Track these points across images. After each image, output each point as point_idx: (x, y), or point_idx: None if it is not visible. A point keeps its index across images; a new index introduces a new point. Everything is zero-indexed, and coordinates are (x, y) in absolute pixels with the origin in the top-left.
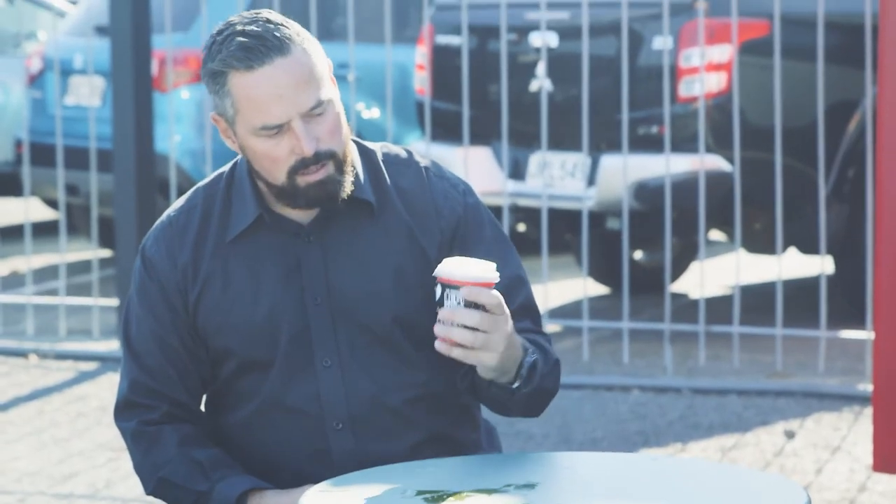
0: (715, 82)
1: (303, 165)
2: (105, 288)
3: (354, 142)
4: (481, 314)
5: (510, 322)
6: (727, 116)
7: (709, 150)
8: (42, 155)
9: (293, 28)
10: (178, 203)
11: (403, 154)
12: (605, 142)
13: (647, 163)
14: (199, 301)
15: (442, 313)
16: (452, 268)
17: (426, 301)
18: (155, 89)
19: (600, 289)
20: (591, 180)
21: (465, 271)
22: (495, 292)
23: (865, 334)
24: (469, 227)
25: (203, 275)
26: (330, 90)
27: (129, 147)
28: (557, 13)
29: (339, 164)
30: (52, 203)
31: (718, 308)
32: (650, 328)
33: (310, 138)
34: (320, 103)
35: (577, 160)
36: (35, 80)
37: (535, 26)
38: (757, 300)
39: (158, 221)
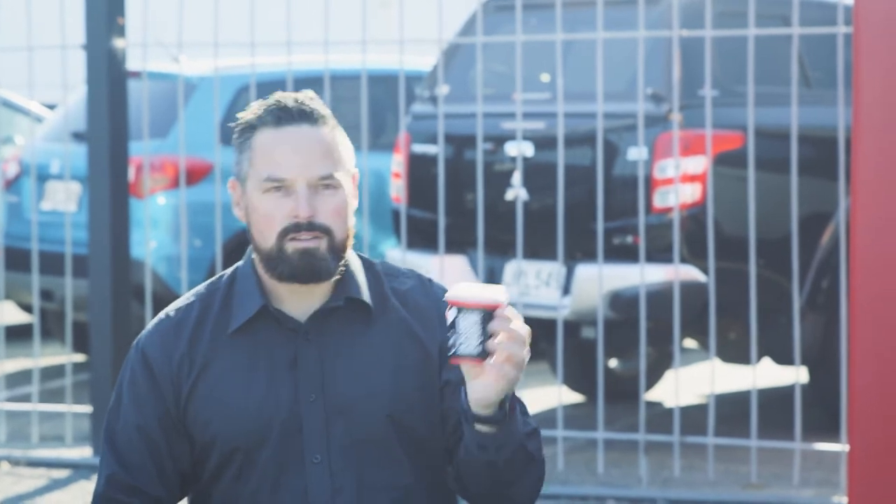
0: (689, 193)
1: (295, 229)
2: (79, 394)
3: (359, 256)
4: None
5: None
6: (701, 227)
7: (683, 260)
8: (17, 259)
9: (330, 113)
10: (176, 302)
11: (405, 268)
12: (580, 251)
13: (622, 272)
14: (192, 391)
15: (501, 335)
16: (464, 291)
17: (422, 405)
18: (131, 195)
19: (575, 397)
20: (567, 289)
21: (478, 294)
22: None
23: (840, 446)
24: None
25: (198, 366)
26: (346, 179)
27: (104, 253)
28: (533, 123)
29: (334, 246)
30: (27, 307)
31: (693, 418)
32: (625, 438)
33: (308, 204)
34: (331, 178)
35: (552, 269)
36: (11, 185)
37: (510, 136)
38: (731, 410)
39: (156, 317)
